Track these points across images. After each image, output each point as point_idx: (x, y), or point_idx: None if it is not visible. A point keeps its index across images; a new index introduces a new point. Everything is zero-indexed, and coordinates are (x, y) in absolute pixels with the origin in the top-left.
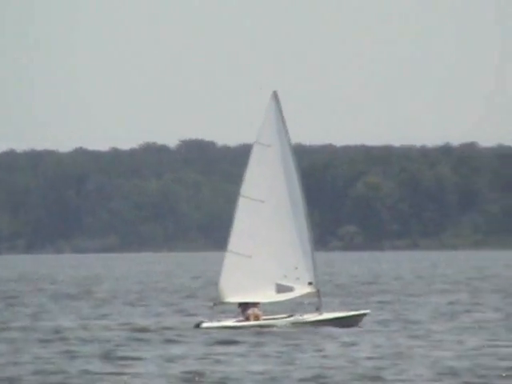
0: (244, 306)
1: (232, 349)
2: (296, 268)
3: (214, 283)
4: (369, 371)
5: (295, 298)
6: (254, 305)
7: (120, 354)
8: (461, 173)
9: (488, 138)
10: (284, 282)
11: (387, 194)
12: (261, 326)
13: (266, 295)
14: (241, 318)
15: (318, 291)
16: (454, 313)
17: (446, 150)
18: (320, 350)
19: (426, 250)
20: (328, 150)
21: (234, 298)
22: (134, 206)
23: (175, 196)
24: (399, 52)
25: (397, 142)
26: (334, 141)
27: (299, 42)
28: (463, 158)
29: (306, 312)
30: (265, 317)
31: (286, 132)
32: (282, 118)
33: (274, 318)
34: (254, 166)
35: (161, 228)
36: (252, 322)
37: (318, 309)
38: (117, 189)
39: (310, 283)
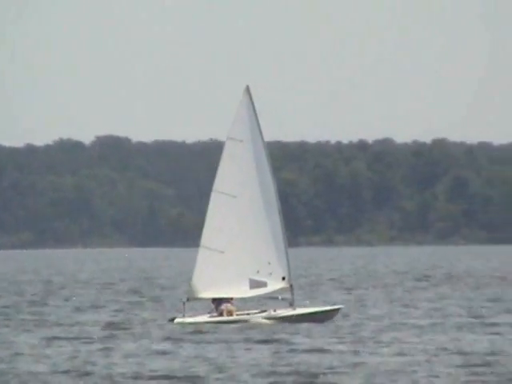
0: (217, 302)
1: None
2: (269, 263)
3: (123, 279)
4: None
5: (268, 293)
6: (228, 300)
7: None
8: (376, 169)
9: (403, 134)
10: (257, 278)
11: (303, 190)
12: (234, 322)
13: (239, 290)
14: (214, 314)
15: (291, 286)
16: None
17: (361, 146)
18: (198, 345)
19: (341, 246)
20: None
21: (207, 293)
22: (49, 203)
23: (90, 192)
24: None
25: (312, 138)
26: None
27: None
28: (378, 154)
29: (279, 307)
30: (238, 312)
31: (259, 127)
32: (255, 112)
33: (247, 314)
34: (226, 161)
35: (76, 224)
36: (225, 318)
37: (291, 304)
38: (32, 185)
39: (283, 278)
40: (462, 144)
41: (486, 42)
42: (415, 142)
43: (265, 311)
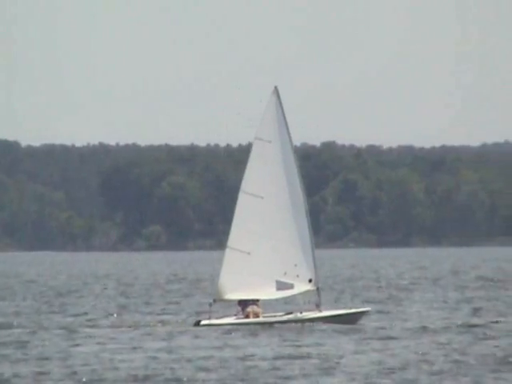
0: (244, 304)
1: None
2: (296, 265)
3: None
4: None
5: (295, 295)
6: (254, 302)
7: None
8: None
9: (292, 136)
10: (284, 279)
11: (192, 194)
12: (260, 324)
13: (266, 292)
14: (240, 316)
15: (317, 288)
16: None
17: (250, 149)
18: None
19: None
20: (132, 150)
21: (233, 295)
22: None
23: None
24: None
25: (201, 141)
26: (138, 140)
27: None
28: None
29: (306, 309)
30: (264, 314)
31: (287, 128)
32: (283, 113)
33: (273, 316)
34: (254, 162)
35: None
36: (251, 320)
37: (317, 306)
38: None
39: (310, 280)
40: (350, 147)
41: (375, 41)
42: (304, 145)
43: (291, 313)
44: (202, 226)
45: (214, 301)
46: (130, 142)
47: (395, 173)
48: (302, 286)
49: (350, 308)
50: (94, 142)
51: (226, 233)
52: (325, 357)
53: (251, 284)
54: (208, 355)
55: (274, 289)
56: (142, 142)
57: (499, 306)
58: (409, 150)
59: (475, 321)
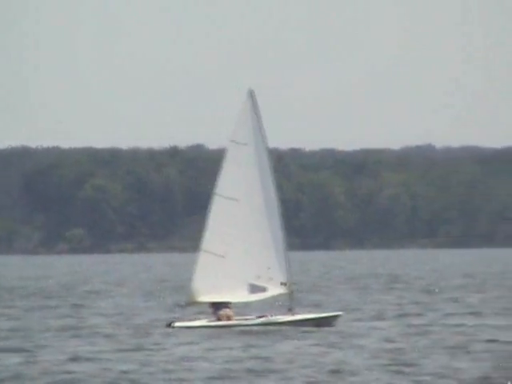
0: (216, 306)
1: None
2: (269, 268)
3: None
4: None
5: (268, 298)
6: (226, 305)
7: None
8: (188, 175)
9: (216, 139)
10: (257, 283)
11: (114, 197)
12: (232, 327)
13: (238, 295)
14: (212, 319)
15: (291, 292)
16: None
17: (173, 153)
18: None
19: (154, 253)
20: (54, 152)
21: (206, 297)
22: None
23: None
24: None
25: (124, 144)
26: (60, 143)
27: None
28: (191, 160)
29: (278, 313)
30: (236, 317)
31: (262, 131)
32: (258, 116)
33: (245, 319)
34: (229, 165)
35: None
36: (224, 322)
37: (290, 309)
38: None
39: (282, 284)
40: (274, 150)
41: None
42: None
43: (263, 316)
44: (124, 229)
45: (186, 303)
46: (51, 144)
47: (317, 176)
48: (274, 289)
49: (323, 312)
50: (16, 144)
51: (147, 236)
52: (264, 359)
53: (224, 287)
54: (144, 357)
55: (247, 292)
56: (65, 144)
57: (412, 309)
58: (330, 153)
59: (382, 324)
